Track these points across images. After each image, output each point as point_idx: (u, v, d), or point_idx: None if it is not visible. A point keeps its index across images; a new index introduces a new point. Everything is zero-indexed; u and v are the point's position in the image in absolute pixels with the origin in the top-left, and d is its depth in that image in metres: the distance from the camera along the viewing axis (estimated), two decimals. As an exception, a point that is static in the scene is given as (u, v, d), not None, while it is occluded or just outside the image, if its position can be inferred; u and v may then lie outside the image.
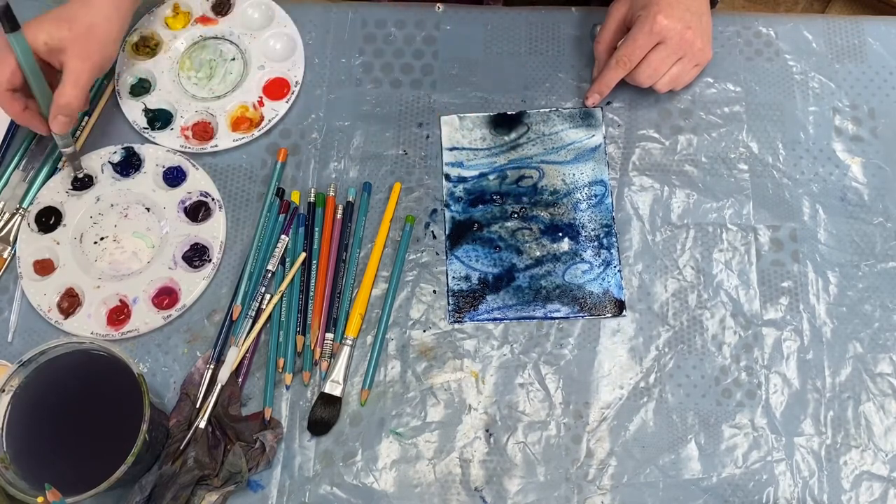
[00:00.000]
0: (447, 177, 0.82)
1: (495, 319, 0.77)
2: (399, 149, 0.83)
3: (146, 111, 0.84)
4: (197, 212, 0.80)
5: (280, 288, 0.77)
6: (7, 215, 0.80)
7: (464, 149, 0.83)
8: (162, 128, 0.83)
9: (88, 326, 0.76)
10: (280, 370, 0.75)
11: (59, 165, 0.82)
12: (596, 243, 0.79)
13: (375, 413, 0.74)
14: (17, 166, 0.82)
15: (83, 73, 0.74)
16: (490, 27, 0.88)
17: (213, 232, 0.79)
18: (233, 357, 0.74)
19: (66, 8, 0.75)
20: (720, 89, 0.85)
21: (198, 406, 0.73)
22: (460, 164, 0.82)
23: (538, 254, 0.79)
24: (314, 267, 0.78)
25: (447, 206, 0.81)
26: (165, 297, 0.77)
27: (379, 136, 0.83)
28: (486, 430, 0.73)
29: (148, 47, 0.87)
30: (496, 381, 0.75)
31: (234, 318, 0.76)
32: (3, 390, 0.66)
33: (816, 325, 0.76)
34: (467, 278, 0.78)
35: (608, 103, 0.84)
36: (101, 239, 0.80)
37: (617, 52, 0.80)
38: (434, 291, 0.78)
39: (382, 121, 0.84)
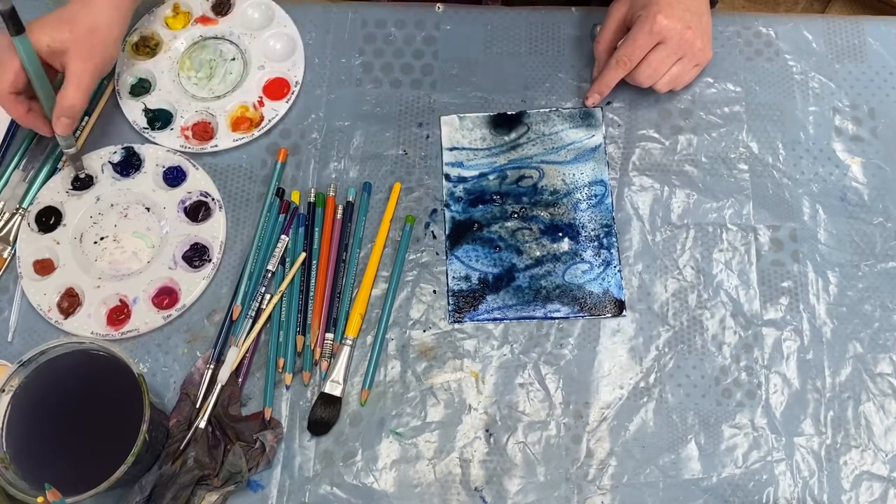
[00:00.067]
0: (447, 177, 0.82)
1: (495, 319, 0.77)
2: (399, 149, 0.83)
3: (146, 111, 0.84)
4: (197, 212, 0.80)
5: (280, 288, 0.77)
6: (7, 215, 0.80)
7: (464, 149, 0.83)
8: (162, 128, 0.83)
9: (88, 326, 0.76)
10: (280, 370, 0.75)
11: (60, 165, 0.82)
12: (596, 243, 0.79)
13: (375, 413, 0.74)
14: (17, 166, 0.82)
15: (85, 75, 0.74)
16: (490, 27, 0.88)
17: (213, 232, 0.79)
18: (233, 357, 0.74)
19: (67, 9, 0.75)
20: (720, 89, 0.85)
21: (198, 406, 0.73)
22: (460, 164, 0.82)
23: (538, 254, 0.79)
24: (314, 267, 0.78)
25: (447, 206, 0.81)
26: (165, 296, 0.77)
27: (379, 136, 0.83)
28: (486, 430, 0.73)
29: (148, 47, 0.87)
30: (496, 381, 0.75)
31: (234, 318, 0.76)
32: (3, 390, 0.66)
33: (816, 325, 0.76)
34: (467, 278, 0.78)
35: (608, 103, 0.84)
36: (101, 239, 0.80)
37: (617, 52, 0.80)
38: (434, 291, 0.78)
39: (382, 121, 0.84)
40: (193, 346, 0.76)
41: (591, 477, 0.72)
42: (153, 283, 0.77)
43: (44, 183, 0.81)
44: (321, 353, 0.75)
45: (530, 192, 0.81)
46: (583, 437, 0.73)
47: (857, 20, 0.87)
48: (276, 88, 0.85)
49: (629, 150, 0.82)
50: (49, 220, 0.80)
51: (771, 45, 0.86)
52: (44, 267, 0.78)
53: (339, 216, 0.80)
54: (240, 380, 0.74)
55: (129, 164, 0.82)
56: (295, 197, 0.81)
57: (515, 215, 0.80)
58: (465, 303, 0.77)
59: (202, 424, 0.72)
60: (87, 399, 0.67)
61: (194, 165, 0.81)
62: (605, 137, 0.83)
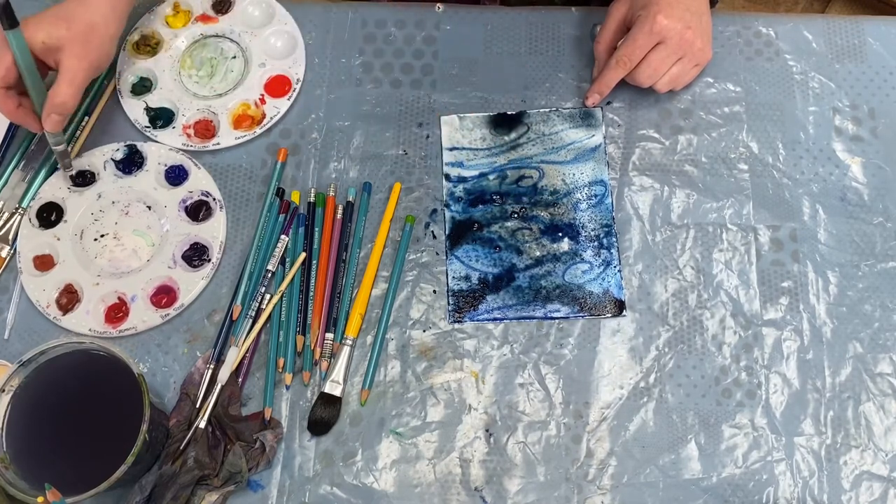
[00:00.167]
0: (447, 177, 0.82)
1: (495, 319, 0.77)
2: (399, 149, 0.83)
3: (147, 110, 0.84)
4: (198, 211, 0.80)
5: (280, 288, 0.77)
6: (6, 214, 0.80)
7: (464, 149, 0.83)
8: (163, 126, 0.83)
9: (86, 323, 0.76)
10: (280, 370, 0.75)
11: (59, 165, 0.82)
12: (596, 243, 0.79)
13: (375, 413, 0.74)
14: (16, 166, 0.82)
15: (79, 73, 0.73)
16: (490, 27, 0.88)
17: (213, 232, 0.79)
18: (233, 357, 0.74)
19: (64, 7, 0.75)
20: (720, 89, 0.85)
21: (198, 406, 0.73)
22: (460, 164, 0.82)
23: (538, 254, 0.79)
24: (314, 267, 0.78)
25: (447, 206, 0.81)
26: (164, 295, 0.77)
27: (379, 136, 0.83)
28: (486, 430, 0.73)
29: (149, 46, 0.87)
30: (496, 381, 0.75)
31: (234, 318, 0.76)
32: (3, 390, 0.66)
33: (816, 325, 0.76)
34: (467, 278, 0.78)
35: (608, 103, 0.84)
36: (102, 236, 0.80)
37: (617, 52, 0.80)
38: (434, 291, 0.78)
39: (382, 121, 0.84)
40: (193, 345, 0.76)
41: (591, 477, 0.72)
42: (152, 282, 0.77)
43: (42, 183, 0.81)
44: (321, 353, 0.75)
45: (530, 192, 0.81)
46: (583, 437, 0.73)
47: (857, 20, 0.87)
48: (277, 86, 0.85)
49: (629, 150, 0.82)
50: (50, 215, 0.80)
51: (771, 45, 0.86)
52: (43, 263, 0.78)
53: (339, 216, 0.80)
54: (240, 380, 0.74)
55: (131, 162, 0.82)
56: (295, 197, 0.81)
57: (515, 215, 0.80)
58: (465, 303, 0.77)
59: (202, 424, 0.72)
60: (87, 399, 0.67)
61: (196, 165, 0.81)
62: (605, 137, 0.83)
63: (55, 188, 0.81)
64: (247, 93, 0.84)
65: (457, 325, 0.77)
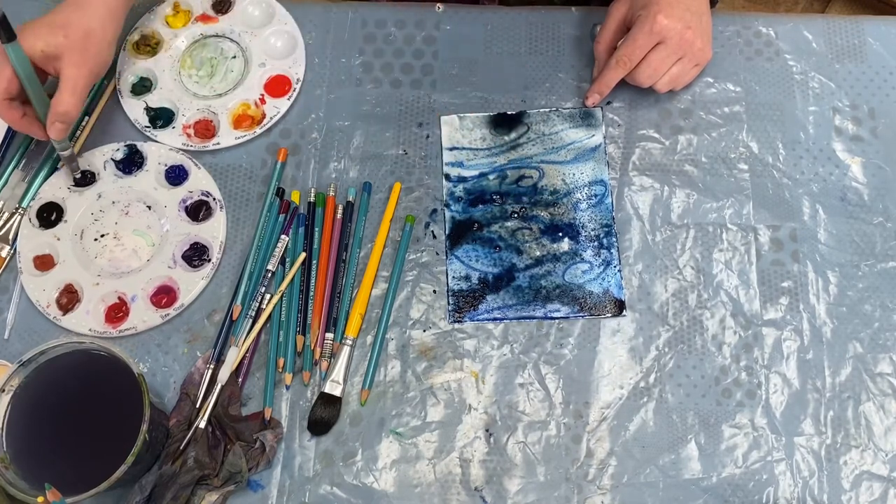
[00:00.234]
0: (447, 177, 0.82)
1: (495, 319, 0.77)
2: (399, 149, 0.83)
3: (148, 110, 0.84)
4: (198, 211, 0.80)
5: (280, 288, 0.77)
6: (6, 214, 0.80)
7: (464, 149, 0.83)
8: (164, 126, 0.83)
9: (86, 323, 0.76)
10: (280, 370, 0.75)
11: (59, 166, 0.82)
12: (596, 243, 0.79)
13: (375, 413, 0.74)
14: (16, 166, 0.82)
15: (80, 80, 0.73)
16: (490, 27, 0.88)
17: (213, 232, 0.79)
18: (233, 357, 0.74)
19: (59, 13, 0.74)
20: (720, 89, 0.85)
21: (198, 406, 0.73)
22: (460, 164, 0.82)
23: (538, 254, 0.79)
24: (314, 267, 0.78)
25: (447, 205, 0.81)
26: (164, 295, 0.77)
27: (379, 136, 0.83)
28: (486, 430, 0.73)
29: (149, 46, 0.87)
30: (496, 380, 0.75)
31: (234, 317, 0.76)
32: (3, 390, 0.66)
33: (816, 325, 0.76)
34: (467, 278, 0.78)
35: (608, 103, 0.84)
36: (102, 236, 0.80)
37: (617, 52, 0.80)
38: (434, 291, 0.78)
39: (382, 121, 0.84)
40: (193, 345, 0.76)
41: (591, 477, 0.72)
42: (152, 282, 0.77)
43: (42, 183, 0.81)
44: (321, 353, 0.75)
45: (530, 192, 0.81)
46: (583, 437, 0.73)
47: (857, 20, 0.87)
48: (277, 86, 0.85)
49: (629, 150, 0.82)
50: (50, 215, 0.80)
51: (771, 45, 0.86)
52: (44, 262, 0.78)
53: (339, 216, 0.80)
54: (240, 380, 0.74)
55: (131, 162, 0.82)
56: (295, 197, 0.81)
57: (515, 215, 0.80)
58: (465, 303, 0.77)
59: (202, 424, 0.72)
60: (87, 399, 0.67)
61: (196, 165, 0.81)
62: (605, 137, 0.83)
63: (55, 188, 0.81)
64: (247, 93, 0.84)
65: (457, 325, 0.77)
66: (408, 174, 0.82)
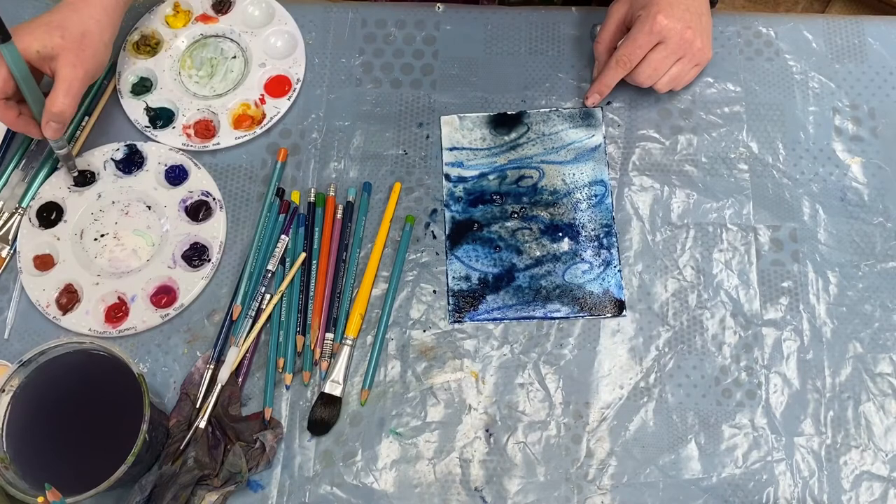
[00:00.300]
0: (447, 177, 0.82)
1: (495, 319, 0.77)
2: (399, 149, 0.83)
3: (148, 110, 0.84)
4: (198, 211, 0.80)
5: (280, 288, 0.77)
6: (6, 214, 0.80)
7: (464, 149, 0.83)
8: (164, 126, 0.83)
9: (86, 323, 0.76)
10: (280, 370, 0.75)
11: (59, 165, 0.82)
12: (596, 243, 0.79)
13: (375, 413, 0.74)
14: (16, 166, 0.82)
15: (75, 81, 0.73)
16: (490, 27, 0.88)
17: (213, 232, 0.79)
18: (233, 357, 0.74)
19: (56, 13, 0.74)
20: (720, 89, 0.85)
21: (198, 406, 0.73)
22: (460, 164, 0.82)
23: (538, 254, 0.79)
24: (314, 267, 0.78)
25: (447, 206, 0.81)
26: (164, 295, 0.77)
27: (379, 136, 0.83)
28: (486, 430, 0.73)
29: (149, 46, 0.86)
30: (496, 381, 0.75)
31: (234, 318, 0.76)
32: (3, 390, 0.66)
33: (816, 325, 0.76)
34: (467, 278, 0.78)
35: (608, 103, 0.84)
36: (102, 236, 0.80)
37: (617, 52, 0.80)
38: (434, 291, 0.78)
39: (382, 121, 0.84)
40: (193, 345, 0.76)
41: (591, 477, 0.72)
42: (152, 282, 0.77)
43: (42, 183, 0.81)
44: (321, 353, 0.75)
45: (530, 192, 0.81)
46: (583, 437, 0.73)
47: (857, 20, 0.87)
48: (277, 86, 0.85)
49: (629, 150, 0.82)
50: (50, 215, 0.80)
51: (771, 45, 0.86)
52: (43, 262, 0.78)
53: (339, 216, 0.80)
54: (240, 380, 0.74)
55: (131, 162, 0.82)
56: (295, 197, 0.81)
57: (515, 215, 0.80)
58: (465, 303, 0.77)
59: (202, 424, 0.72)
60: (87, 399, 0.67)
61: (196, 165, 0.81)
62: (605, 137, 0.83)
63: (55, 188, 0.81)
64: (247, 93, 0.84)
65: (457, 325, 0.77)
66: (408, 174, 0.82)
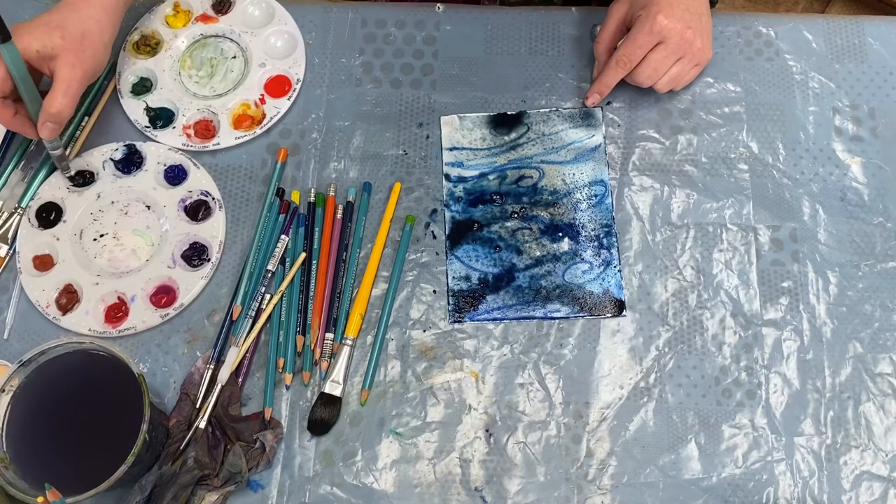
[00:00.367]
0: (447, 177, 0.82)
1: (495, 319, 0.77)
2: (399, 149, 0.83)
3: (147, 110, 0.84)
4: (197, 211, 0.80)
5: (280, 288, 0.77)
6: (6, 214, 0.80)
7: (464, 149, 0.83)
8: (163, 126, 0.83)
9: (86, 323, 0.76)
10: (280, 370, 0.75)
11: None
12: (596, 243, 0.79)
13: (375, 413, 0.74)
14: (16, 166, 0.82)
15: (74, 82, 0.73)
16: (490, 27, 0.88)
17: (213, 231, 0.79)
18: (233, 357, 0.74)
19: (56, 13, 0.74)
20: (720, 89, 0.85)
21: (198, 406, 0.73)
22: (460, 164, 0.82)
23: (538, 254, 0.79)
24: (314, 267, 0.78)
25: (447, 206, 0.81)
26: (163, 295, 0.77)
27: (379, 136, 0.83)
28: (486, 430, 0.73)
29: (149, 46, 0.86)
30: (496, 381, 0.75)
31: (234, 318, 0.76)
32: (3, 390, 0.66)
33: (816, 325, 0.76)
34: (467, 278, 0.78)
35: (608, 103, 0.84)
36: (101, 236, 0.80)
37: (617, 52, 0.80)
38: (434, 291, 0.78)
39: (382, 121, 0.84)
40: (193, 345, 0.76)
41: (591, 477, 0.72)
42: (151, 282, 0.77)
43: (42, 183, 0.81)
44: (321, 353, 0.75)
45: (530, 192, 0.81)
46: (583, 437, 0.73)
47: (857, 20, 0.87)
48: (277, 86, 0.85)
49: (629, 150, 0.82)
50: (49, 215, 0.80)
51: (771, 45, 0.86)
52: (43, 263, 0.78)
53: (339, 216, 0.80)
54: (240, 380, 0.74)
55: (130, 162, 0.82)
56: (295, 197, 0.81)
57: (515, 215, 0.80)
58: (465, 303, 0.77)
59: (202, 424, 0.72)
60: (87, 399, 0.67)
61: (195, 164, 0.81)
62: (605, 137, 0.83)
63: (54, 188, 0.81)
64: (247, 93, 0.84)
65: (457, 325, 0.77)
66: (408, 174, 0.82)
